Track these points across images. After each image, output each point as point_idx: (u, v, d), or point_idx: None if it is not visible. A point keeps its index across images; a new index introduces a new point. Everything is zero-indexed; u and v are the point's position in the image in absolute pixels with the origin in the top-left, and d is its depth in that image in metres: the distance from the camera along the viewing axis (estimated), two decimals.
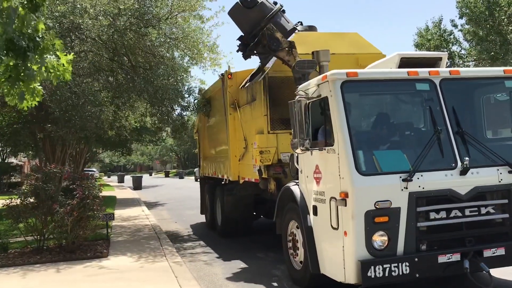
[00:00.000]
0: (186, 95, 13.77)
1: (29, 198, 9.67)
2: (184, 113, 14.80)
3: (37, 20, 4.37)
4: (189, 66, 13.95)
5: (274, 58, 9.29)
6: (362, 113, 6.66)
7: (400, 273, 5.56)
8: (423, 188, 5.76)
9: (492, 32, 25.94)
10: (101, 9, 11.50)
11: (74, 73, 11.89)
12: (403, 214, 5.68)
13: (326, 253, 6.26)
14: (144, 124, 19.22)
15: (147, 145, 48.81)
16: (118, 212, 17.70)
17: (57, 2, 11.53)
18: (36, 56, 4.39)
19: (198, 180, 15.83)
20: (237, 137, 10.52)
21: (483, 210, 5.99)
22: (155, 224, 14.52)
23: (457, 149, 6.00)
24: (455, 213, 5.88)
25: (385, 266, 5.53)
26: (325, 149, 6.15)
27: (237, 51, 9.84)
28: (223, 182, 11.88)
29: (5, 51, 4.08)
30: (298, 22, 10.02)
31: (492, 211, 6.04)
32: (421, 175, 5.77)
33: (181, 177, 60.50)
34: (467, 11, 26.58)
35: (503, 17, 25.20)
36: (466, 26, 28.29)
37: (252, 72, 10.59)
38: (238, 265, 9.05)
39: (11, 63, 4.24)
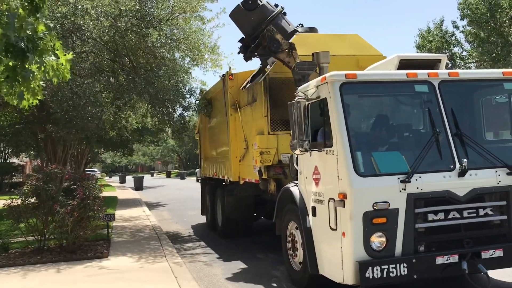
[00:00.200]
0: (188, 96, 13.82)
1: (30, 199, 9.71)
2: (186, 114, 14.83)
3: (36, 22, 4.41)
4: (190, 67, 13.99)
5: (274, 60, 9.33)
6: (361, 114, 6.68)
7: (398, 274, 5.59)
8: (421, 189, 5.78)
9: (493, 34, 25.96)
10: (102, 10, 11.54)
11: (75, 74, 11.96)
12: (401, 215, 5.70)
13: (324, 254, 6.28)
14: (145, 124, 19.26)
15: (148, 146, 48.89)
16: (119, 213, 17.74)
17: (59, 3, 11.57)
18: (36, 57, 4.43)
19: (199, 180, 15.86)
20: (237, 138, 10.55)
21: (481, 212, 6.00)
22: (156, 224, 14.55)
23: (456, 151, 6.01)
24: (453, 215, 5.89)
25: (383, 267, 5.55)
26: (324, 150, 6.17)
27: (238, 53, 9.89)
28: (224, 183, 11.91)
29: (4, 52, 4.12)
30: (299, 24, 10.05)
31: (490, 212, 6.06)
32: (420, 177, 5.79)
33: (183, 178, 60.58)
34: (469, 12, 26.60)
35: (504, 19, 25.22)
36: (468, 28, 28.31)
37: (253, 73, 10.63)
38: (238, 265, 9.07)
39: (10, 63, 4.28)
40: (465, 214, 5.93)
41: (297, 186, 7.14)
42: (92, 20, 11.50)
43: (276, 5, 9.35)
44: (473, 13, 26.27)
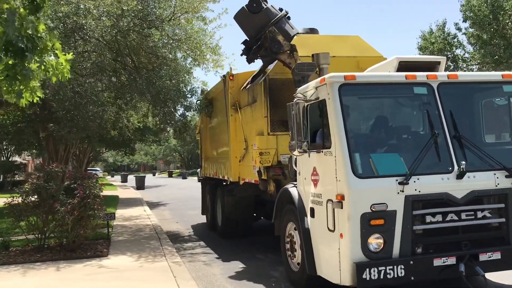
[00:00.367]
0: (189, 96, 13.85)
1: (30, 197, 9.75)
2: (187, 114, 14.87)
3: (36, 21, 4.44)
4: (192, 67, 14.01)
5: (275, 60, 9.36)
6: (359, 116, 6.70)
7: (395, 276, 5.60)
8: (419, 191, 5.79)
9: (496, 36, 25.92)
10: (104, 10, 11.59)
11: (77, 73, 12.01)
12: (399, 217, 5.71)
13: (322, 255, 6.29)
14: (146, 124, 19.31)
15: (150, 145, 48.99)
16: (120, 212, 17.79)
17: (62, 2, 11.63)
18: (36, 57, 4.47)
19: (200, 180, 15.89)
20: (238, 138, 10.57)
21: (480, 214, 6.01)
22: (156, 224, 14.58)
23: (454, 153, 6.02)
24: (451, 217, 5.90)
25: (380, 268, 5.56)
26: (322, 152, 6.19)
27: (241, 55, 9.94)
28: (224, 183, 11.93)
29: (4, 51, 4.16)
30: (302, 29, 10.09)
31: (488, 215, 6.06)
32: (418, 179, 5.80)
33: (184, 178, 60.63)
34: (471, 14, 26.56)
35: (507, 21, 25.16)
36: (470, 30, 28.27)
37: (254, 74, 10.65)
38: (237, 265, 9.09)
39: (10, 62, 4.32)
40: (463, 216, 5.94)
41: (296, 187, 7.17)
42: (94, 19, 11.55)
43: (281, 9, 9.42)
44: (475, 15, 26.23)
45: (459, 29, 29.54)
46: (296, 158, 7.13)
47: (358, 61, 9.05)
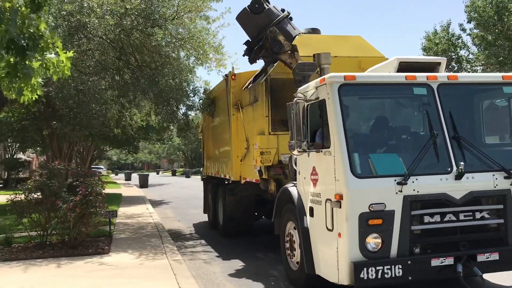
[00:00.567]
0: (191, 95, 13.90)
1: (33, 194, 9.82)
2: (189, 113, 14.92)
3: (38, 20, 4.49)
4: (195, 67, 14.06)
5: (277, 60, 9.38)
6: (359, 116, 6.71)
7: (393, 276, 5.62)
8: (418, 191, 5.81)
9: (500, 37, 25.86)
10: (108, 8, 11.64)
11: (80, 71, 12.07)
12: (397, 217, 5.73)
13: (321, 254, 6.32)
14: (149, 122, 19.38)
15: (154, 144, 49.12)
16: (122, 210, 17.86)
17: (66, 0, 11.70)
18: (37, 55, 4.52)
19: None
20: (239, 138, 10.61)
21: (478, 215, 6.02)
22: (158, 222, 14.64)
23: (453, 154, 6.03)
24: (450, 217, 5.91)
25: (378, 268, 5.58)
26: (321, 151, 6.21)
27: (243, 55, 9.98)
28: (226, 182, 11.98)
29: (5, 49, 4.22)
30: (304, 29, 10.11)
31: (487, 216, 6.08)
32: (416, 179, 5.82)
33: (188, 176, 60.76)
34: (476, 15, 26.52)
35: None
36: (475, 31, 28.23)
37: (256, 73, 10.69)
38: (237, 264, 9.13)
39: (11, 60, 4.38)
40: (462, 217, 5.95)
41: (296, 186, 7.19)
42: (97, 18, 11.60)
43: (283, 10, 9.44)
44: (480, 16, 26.18)
45: (463, 30, 29.51)
46: (296, 158, 7.16)
47: (360, 61, 9.07)
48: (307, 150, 6.40)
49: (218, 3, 13.97)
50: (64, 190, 9.91)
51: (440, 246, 5.92)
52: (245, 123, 10.27)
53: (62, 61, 4.77)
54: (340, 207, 5.74)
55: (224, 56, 13.79)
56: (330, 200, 5.92)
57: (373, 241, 5.71)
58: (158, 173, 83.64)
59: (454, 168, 5.95)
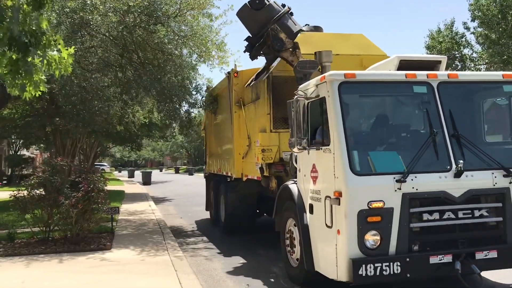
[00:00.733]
0: (194, 92, 13.94)
1: (35, 190, 9.89)
2: (192, 110, 14.97)
3: (40, 17, 4.54)
4: (197, 64, 14.11)
5: (278, 58, 9.41)
6: (359, 114, 6.74)
7: (391, 273, 5.65)
8: (417, 189, 5.83)
9: (504, 36, 25.76)
10: (111, 5, 11.69)
11: (83, 68, 12.12)
12: (396, 214, 5.76)
13: (320, 251, 6.36)
14: (152, 119, 19.43)
15: (157, 141, 49.21)
16: (125, 206, 17.93)
17: None
18: (39, 51, 4.57)
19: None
20: (241, 135, 10.64)
21: (477, 213, 6.04)
22: (161, 219, 14.70)
23: (452, 152, 6.05)
24: (448, 215, 5.94)
25: (376, 265, 5.61)
26: (321, 149, 6.24)
27: (244, 51, 10.00)
28: (228, 179, 12.02)
29: (8, 46, 4.27)
30: (306, 25, 10.12)
31: (485, 214, 6.10)
32: (415, 177, 5.84)
33: (191, 174, 60.85)
34: (480, 14, 26.40)
35: None
36: (479, 29, 28.12)
37: (258, 71, 10.71)
38: (238, 261, 9.18)
39: (14, 56, 4.43)
40: (460, 215, 5.98)
41: (296, 183, 7.23)
42: (100, 15, 11.65)
43: (284, 5, 9.43)
44: (484, 15, 26.07)
45: (467, 28, 29.40)
46: (296, 155, 7.20)
47: (361, 59, 9.10)
48: (307, 147, 6.44)
49: (221, 0, 14.04)
50: (66, 186, 9.97)
51: (438, 244, 5.94)
52: (247, 121, 10.31)
53: (64, 57, 4.82)
54: (339, 204, 5.78)
55: (227, 53, 13.86)
56: (330, 197, 5.96)
57: (372, 238, 5.74)
58: (161, 171, 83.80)
59: (453, 166, 5.97)
